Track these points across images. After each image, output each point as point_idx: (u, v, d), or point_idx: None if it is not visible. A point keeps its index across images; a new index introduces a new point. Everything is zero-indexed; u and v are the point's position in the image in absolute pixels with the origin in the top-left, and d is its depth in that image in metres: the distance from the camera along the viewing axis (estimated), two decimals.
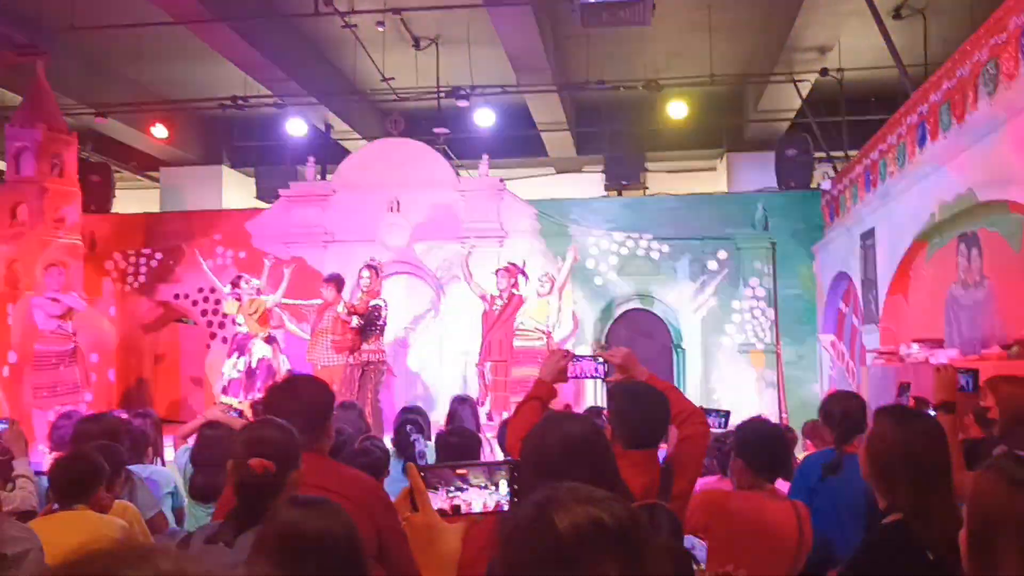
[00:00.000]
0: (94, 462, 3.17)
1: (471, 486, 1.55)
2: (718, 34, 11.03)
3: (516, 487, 1.55)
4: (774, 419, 7.66)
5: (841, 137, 11.78)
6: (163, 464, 4.84)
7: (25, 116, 10.30)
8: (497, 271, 9.90)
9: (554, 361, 2.97)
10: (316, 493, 1.96)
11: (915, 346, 7.37)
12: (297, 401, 2.60)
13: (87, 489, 3.10)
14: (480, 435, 4.98)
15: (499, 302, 9.72)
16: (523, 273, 9.96)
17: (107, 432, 4.09)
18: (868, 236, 9.14)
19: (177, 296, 12.07)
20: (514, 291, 9.74)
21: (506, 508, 1.54)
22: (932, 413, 3.16)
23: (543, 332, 9.67)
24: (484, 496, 1.55)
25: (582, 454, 1.90)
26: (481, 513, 1.55)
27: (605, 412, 3.35)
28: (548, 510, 1.11)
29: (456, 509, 1.54)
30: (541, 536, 1.10)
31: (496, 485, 1.55)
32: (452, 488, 1.55)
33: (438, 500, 1.53)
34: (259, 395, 8.76)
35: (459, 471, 1.57)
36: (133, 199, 14.89)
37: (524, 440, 2.03)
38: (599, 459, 1.94)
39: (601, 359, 2.97)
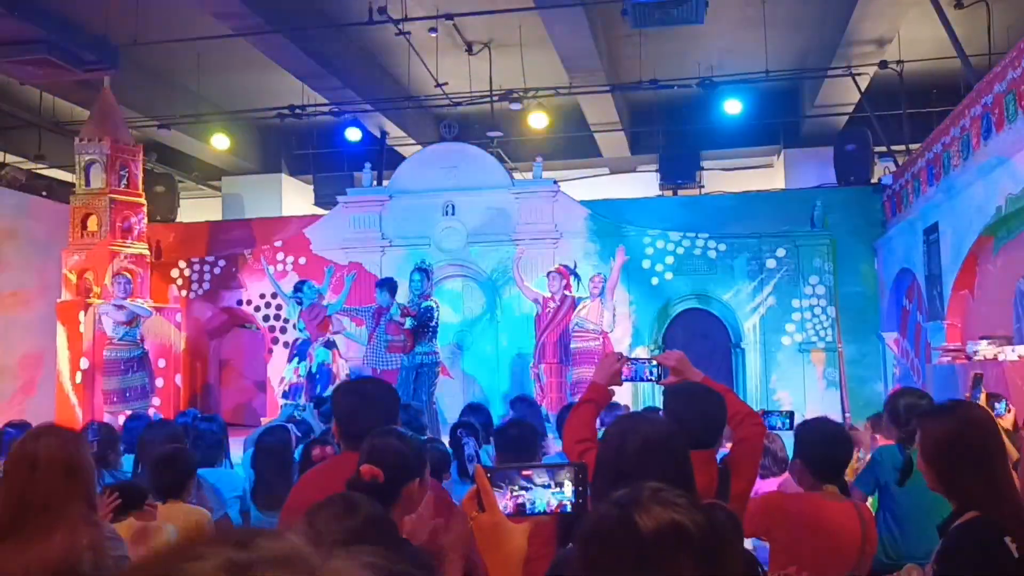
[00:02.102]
0: (141, 488, 3.32)
1: (536, 486, 1.58)
2: (773, 29, 10.88)
3: (581, 488, 1.57)
4: (837, 419, 7.52)
5: (901, 131, 11.52)
6: (231, 467, 4.96)
7: (93, 130, 10.65)
8: (549, 273, 9.93)
9: (608, 364, 2.98)
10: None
11: (983, 342, 7.19)
12: (364, 402, 2.63)
13: (182, 485, 3.29)
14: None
15: (552, 304, 9.75)
16: (575, 274, 9.97)
17: (171, 438, 4.23)
18: (932, 231, 8.93)
19: (240, 302, 12.35)
20: (567, 293, 9.75)
21: (569, 509, 1.56)
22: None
23: (599, 333, 9.66)
24: (548, 495, 1.57)
25: (661, 455, 1.90)
26: (546, 513, 1.57)
27: (661, 413, 3.35)
28: (631, 510, 1.14)
29: (521, 508, 1.57)
30: (622, 535, 1.12)
31: (560, 485, 1.58)
32: (517, 488, 1.58)
33: (503, 500, 1.56)
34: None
35: (524, 472, 1.60)
36: (196, 208, 15.28)
37: (604, 437, 2.05)
38: (677, 460, 1.94)
39: (655, 362, 2.98)
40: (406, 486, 2.24)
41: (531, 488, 1.58)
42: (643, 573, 1.08)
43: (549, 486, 1.58)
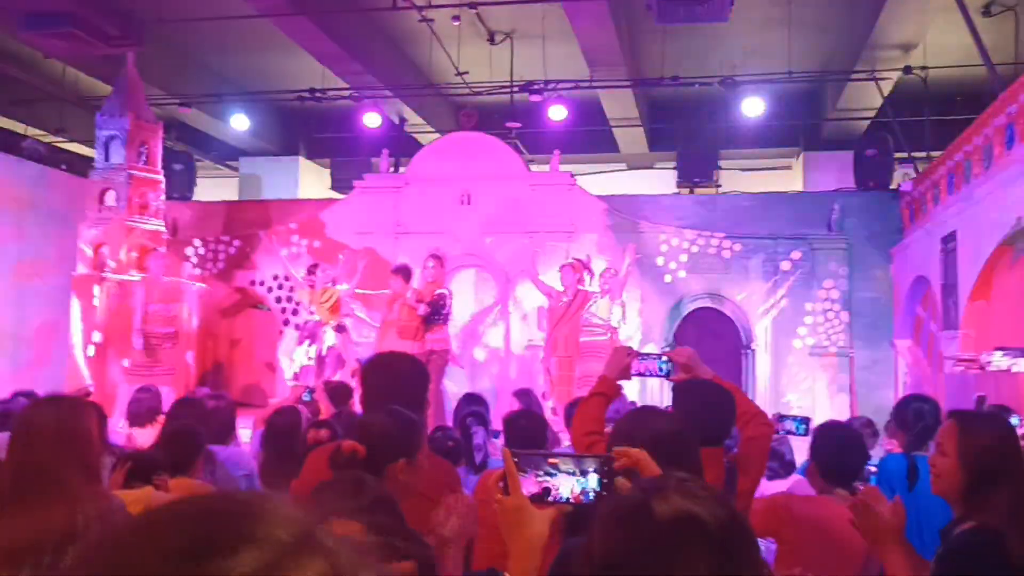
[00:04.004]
0: (157, 459, 3.34)
1: (561, 472, 1.59)
2: (797, 30, 10.81)
3: (606, 481, 1.57)
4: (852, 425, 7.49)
5: (923, 137, 11.43)
6: (238, 446, 4.99)
7: (115, 105, 10.69)
8: (562, 267, 9.90)
9: (618, 358, 2.98)
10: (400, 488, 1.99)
11: (997, 353, 7.14)
12: (392, 379, 2.61)
13: (190, 460, 3.27)
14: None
15: (565, 299, 9.73)
16: (588, 269, 9.95)
17: (196, 417, 4.27)
18: (950, 239, 8.87)
19: (253, 283, 12.40)
20: (580, 287, 9.73)
21: (592, 499, 1.57)
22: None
23: (608, 328, 9.63)
24: (572, 483, 1.58)
25: (671, 450, 1.90)
26: (569, 501, 1.58)
27: (669, 409, 3.35)
28: (649, 497, 1.13)
29: (546, 492, 1.58)
30: (638, 521, 1.11)
31: (585, 474, 1.59)
32: (542, 473, 1.59)
33: (528, 484, 1.57)
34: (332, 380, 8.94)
35: (551, 460, 1.61)
36: (213, 187, 15.33)
37: (613, 432, 2.05)
38: (687, 456, 1.94)
39: (665, 358, 2.97)
40: (391, 464, 2.22)
41: (556, 475, 1.59)
42: (654, 561, 1.07)
43: (574, 474, 1.59)
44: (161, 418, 5.04)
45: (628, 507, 1.14)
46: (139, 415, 5.41)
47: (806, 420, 3.81)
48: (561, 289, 9.79)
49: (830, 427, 3.32)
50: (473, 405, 5.49)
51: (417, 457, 2.31)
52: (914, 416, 3.59)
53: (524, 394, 6.54)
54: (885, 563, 2.17)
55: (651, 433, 1.96)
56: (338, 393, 6.14)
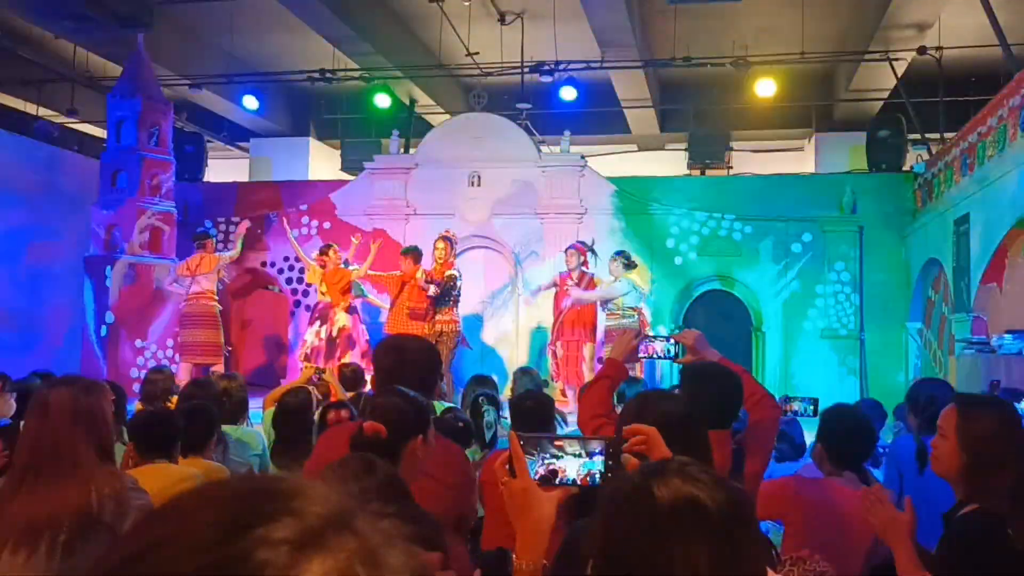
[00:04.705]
0: (173, 422, 3.36)
1: (567, 455, 1.61)
2: (810, 10, 10.72)
3: (612, 463, 1.59)
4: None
5: (937, 119, 11.33)
6: (250, 426, 5.03)
7: (125, 87, 10.70)
8: (566, 250, 9.87)
9: (626, 341, 2.98)
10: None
11: (1008, 336, 7.11)
12: (403, 360, 2.62)
13: (167, 445, 3.27)
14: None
15: (570, 282, 9.70)
16: (592, 251, 9.91)
17: (209, 397, 4.31)
18: (962, 222, 8.81)
19: (264, 264, 12.44)
20: (584, 270, 9.70)
21: (598, 481, 1.59)
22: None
23: (634, 310, 9.54)
24: (578, 466, 1.60)
25: (679, 432, 1.91)
26: (575, 483, 1.60)
27: (677, 391, 3.36)
28: (651, 480, 1.14)
29: (553, 474, 1.60)
30: (637, 504, 1.12)
31: (591, 456, 1.61)
32: (548, 456, 1.60)
33: (535, 466, 1.59)
34: (341, 362, 8.98)
35: (557, 442, 1.63)
36: (224, 169, 15.36)
37: (621, 414, 2.06)
38: (695, 438, 1.95)
39: (672, 340, 2.98)
40: (408, 443, 2.27)
41: (562, 457, 1.61)
42: (655, 544, 1.08)
43: (580, 456, 1.61)
44: (174, 399, 5.09)
45: (629, 491, 1.15)
46: (153, 395, 5.46)
47: (814, 401, 3.81)
48: (566, 271, 9.75)
49: (838, 409, 3.32)
50: (481, 386, 5.51)
51: (429, 435, 2.33)
52: (927, 400, 3.59)
53: (526, 372, 6.56)
54: (895, 558, 2.19)
55: (660, 416, 1.97)
56: (352, 376, 6.18)
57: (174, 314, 10.43)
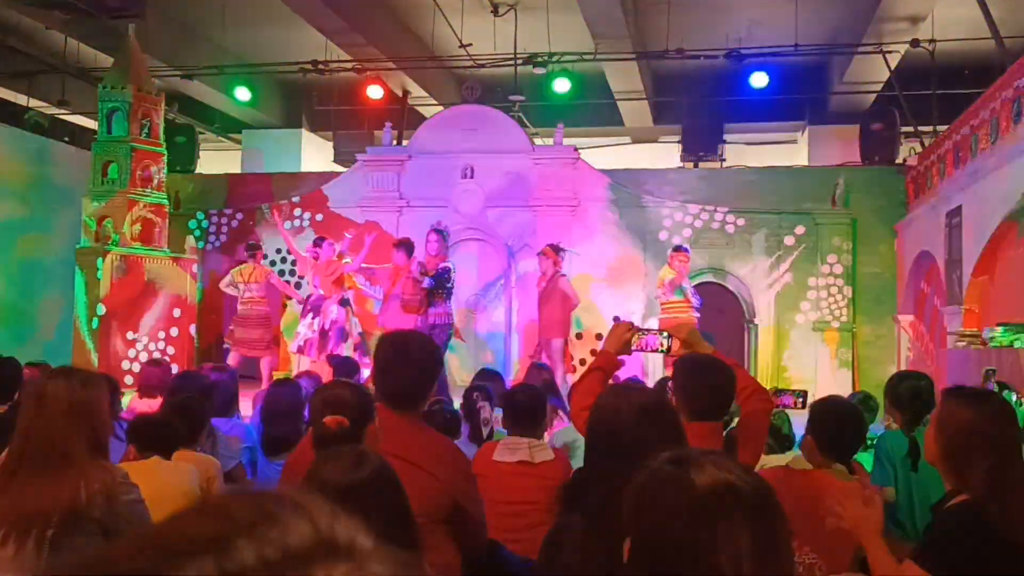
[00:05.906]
0: (172, 426, 3.37)
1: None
2: (804, 3, 10.72)
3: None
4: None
5: (930, 111, 11.35)
6: (240, 418, 5.02)
7: (116, 78, 10.63)
8: (538, 255, 9.87)
9: (618, 333, 2.98)
10: (395, 463, 1.99)
11: (1000, 329, 7.13)
12: (401, 357, 2.62)
13: (164, 445, 3.31)
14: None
15: (543, 284, 9.73)
16: (561, 251, 9.87)
17: (199, 389, 4.30)
18: (954, 214, 8.83)
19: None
20: (557, 270, 9.69)
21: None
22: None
23: (685, 301, 9.51)
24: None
25: (658, 422, 1.91)
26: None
27: (669, 384, 3.36)
28: (687, 467, 1.18)
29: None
30: (677, 490, 1.17)
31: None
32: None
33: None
34: (333, 354, 8.98)
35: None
36: (216, 160, 15.30)
37: (595, 407, 2.05)
38: (673, 428, 1.95)
39: (665, 333, 2.98)
40: (365, 429, 2.34)
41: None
42: (697, 526, 1.13)
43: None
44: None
45: (666, 477, 1.20)
46: (150, 387, 5.45)
47: (803, 393, 3.81)
48: (540, 274, 9.78)
49: (828, 401, 3.33)
50: (480, 379, 5.51)
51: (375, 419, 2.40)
52: (910, 394, 3.59)
53: (536, 369, 6.56)
54: (867, 554, 2.21)
55: (636, 406, 1.97)
56: (345, 367, 6.18)
57: (166, 306, 10.40)
